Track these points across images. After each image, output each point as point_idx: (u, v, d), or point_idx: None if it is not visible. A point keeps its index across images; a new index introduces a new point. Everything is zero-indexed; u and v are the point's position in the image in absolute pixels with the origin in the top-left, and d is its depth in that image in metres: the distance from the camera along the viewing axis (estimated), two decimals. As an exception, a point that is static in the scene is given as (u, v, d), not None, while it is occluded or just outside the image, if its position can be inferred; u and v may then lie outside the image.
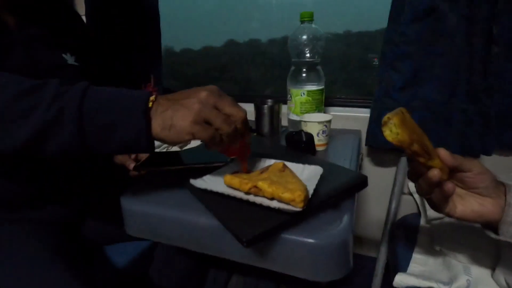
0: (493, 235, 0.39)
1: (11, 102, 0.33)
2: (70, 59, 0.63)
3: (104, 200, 0.67)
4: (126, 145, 0.36)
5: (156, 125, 0.35)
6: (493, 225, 0.38)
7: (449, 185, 0.35)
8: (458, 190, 0.39)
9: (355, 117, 0.85)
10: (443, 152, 0.35)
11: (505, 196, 0.36)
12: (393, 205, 0.77)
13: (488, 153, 0.67)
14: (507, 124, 0.66)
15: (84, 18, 0.91)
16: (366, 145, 0.79)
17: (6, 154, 0.36)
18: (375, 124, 0.75)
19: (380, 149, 0.80)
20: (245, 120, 0.39)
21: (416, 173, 0.37)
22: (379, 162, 0.86)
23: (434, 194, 0.36)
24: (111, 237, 0.68)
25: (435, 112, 0.68)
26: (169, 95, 0.38)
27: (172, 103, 0.36)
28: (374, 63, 1.13)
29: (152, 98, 0.36)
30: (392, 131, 0.32)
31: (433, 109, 0.68)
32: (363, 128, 0.80)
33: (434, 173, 0.34)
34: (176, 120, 0.35)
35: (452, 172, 0.37)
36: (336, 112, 0.88)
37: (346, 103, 0.89)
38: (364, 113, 0.82)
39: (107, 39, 0.92)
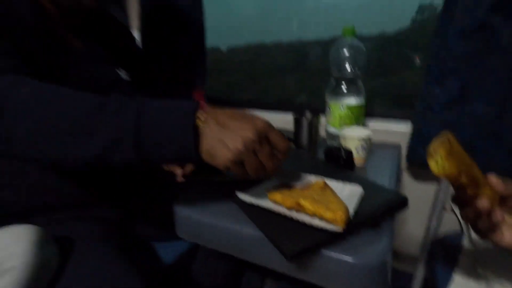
0: None
1: (83, 118, 0.39)
2: (123, 73, 0.71)
3: (155, 202, 0.74)
4: (177, 158, 0.41)
5: (203, 148, 0.40)
6: None
7: (498, 214, 0.35)
8: (507, 217, 0.38)
9: (395, 131, 0.84)
10: (494, 180, 0.35)
11: None
12: (434, 222, 0.75)
13: None
14: None
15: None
16: (407, 160, 0.78)
17: (77, 165, 0.42)
18: (416, 139, 0.74)
19: (421, 164, 0.79)
20: (287, 153, 0.43)
21: (462, 201, 0.37)
22: (419, 176, 0.85)
23: (481, 221, 0.36)
24: (160, 235, 0.75)
25: (484, 129, 0.66)
26: (219, 116, 0.41)
27: (220, 130, 0.40)
28: (416, 63, 1.11)
29: (199, 114, 0.41)
30: (439, 163, 0.32)
31: (482, 126, 0.66)
32: (403, 141, 0.79)
33: (483, 204, 0.34)
34: (219, 153, 0.39)
35: (503, 199, 0.37)
36: (376, 124, 0.88)
37: (386, 115, 0.88)
38: (404, 127, 0.81)
39: (157, 51, 1.01)
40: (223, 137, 0.39)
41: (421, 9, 1.03)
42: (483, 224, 0.36)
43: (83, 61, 0.62)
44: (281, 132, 0.43)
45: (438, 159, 0.32)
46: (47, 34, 0.56)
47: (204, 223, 0.50)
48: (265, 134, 0.41)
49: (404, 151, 0.79)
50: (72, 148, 0.39)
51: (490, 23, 0.60)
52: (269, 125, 0.42)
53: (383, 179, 0.59)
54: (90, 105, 0.40)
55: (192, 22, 1.01)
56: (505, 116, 0.65)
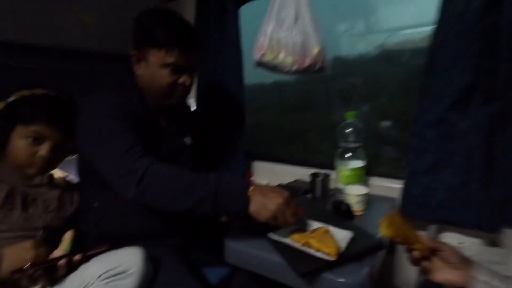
0: None
1: (185, 187, 0.69)
2: (188, 140, 1.03)
3: (207, 236, 1.01)
4: (235, 214, 0.70)
5: (253, 208, 0.68)
6: None
7: (424, 263, 0.57)
8: (439, 263, 0.59)
9: (393, 186, 1.06)
10: (423, 238, 0.58)
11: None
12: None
13: (496, 229, 0.82)
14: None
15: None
16: (400, 213, 0.99)
17: (180, 213, 0.71)
18: (405, 196, 0.96)
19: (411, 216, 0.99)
20: (302, 215, 0.70)
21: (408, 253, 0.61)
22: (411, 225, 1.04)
23: (419, 265, 0.59)
24: (207, 261, 1.00)
25: (454, 193, 0.87)
26: (262, 190, 0.70)
27: (263, 199, 0.68)
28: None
29: (251, 189, 0.69)
30: (382, 230, 0.57)
31: (451, 190, 0.88)
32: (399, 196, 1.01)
33: (415, 253, 0.57)
34: (262, 213, 0.68)
35: (434, 251, 0.59)
36: (377, 180, 1.11)
37: (383, 174, 1.11)
38: (400, 183, 1.03)
39: (210, 123, 1.34)
40: (265, 203, 0.67)
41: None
42: (420, 267, 0.59)
43: (166, 134, 0.95)
44: (296, 189, 0.70)
45: (382, 228, 0.57)
46: (150, 121, 0.89)
47: (247, 251, 0.76)
48: (288, 201, 0.68)
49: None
50: (179, 202, 0.69)
51: (449, 118, 0.85)
52: (290, 196, 0.70)
53: (376, 228, 0.81)
54: (190, 178, 0.70)
55: (235, 97, 1.34)
56: (471, 183, 0.86)
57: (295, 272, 0.64)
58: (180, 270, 0.82)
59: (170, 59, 0.83)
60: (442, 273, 0.58)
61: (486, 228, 0.84)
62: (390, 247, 0.98)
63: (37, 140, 0.81)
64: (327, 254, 0.64)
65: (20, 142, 0.80)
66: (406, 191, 0.96)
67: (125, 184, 0.70)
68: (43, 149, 0.82)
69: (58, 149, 0.85)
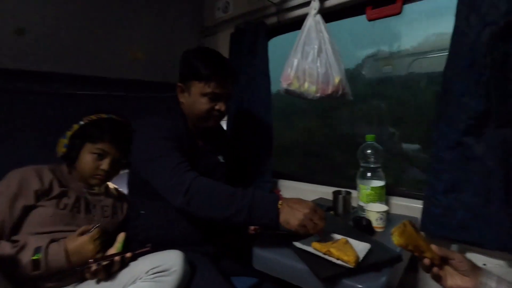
0: None
1: (225, 199, 0.81)
2: (221, 158, 1.15)
3: (235, 246, 1.11)
4: (267, 225, 0.79)
5: (282, 219, 0.77)
6: None
7: (434, 269, 0.62)
8: (450, 270, 0.64)
9: (414, 206, 1.10)
10: (433, 247, 0.64)
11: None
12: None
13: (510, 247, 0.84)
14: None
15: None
16: (421, 231, 1.03)
17: (215, 221, 0.82)
18: (425, 216, 1.00)
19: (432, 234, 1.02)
20: (324, 224, 0.78)
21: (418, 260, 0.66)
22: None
23: (430, 272, 0.64)
24: (236, 270, 1.09)
25: (474, 213, 0.91)
26: (289, 202, 0.80)
27: (291, 210, 0.78)
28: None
29: (280, 202, 0.79)
30: (395, 238, 0.63)
31: (471, 210, 0.91)
32: (420, 215, 1.05)
33: (425, 261, 0.63)
34: (291, 222, 0.77)
35: (445, 259, 0.64)
36: (397, 200, 1.15)
37: (405, 194, 1.16)
38: (420, 204, 1.07)
39: (241, 144, 1.48)
40: (293, 213, 0.77)
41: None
42: (432, 274, 0.64)
43: (202, 153, 1.08)
44: (322, 209, 0.78)
45: (395, 236, 0.63)
46: (190, 142, 1.03)
47: (273, 258, 0.84)
48: (314, 209, 0.77)
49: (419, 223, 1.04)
50: (218, 211, 0.80)
51: (465, 141, 0.90)
52: (316, 206, 0.79)
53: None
54: (228, 191, 0.82)
55: (264, 121, 1.47)
56: (491, 204, 0.89)
57: (317, 277, 0.71)
58: (213, 275, 0.92)
59: (208, 89, 0.98)
60: (453, 280, 0.62)
61: (509, 248, 0.86)
62: (411, 264, 1.01)
63: (101, 155, 0.98)
64: (347, 262, 0.71)
65: (87, 157, 0.97)
66: (426, 210, 1.00)
67: (173, 193, 0.83)
68: (105, 164, 0.98)
69: (116, 164, 1.02)
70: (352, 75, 1.63)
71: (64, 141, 0.99)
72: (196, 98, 1.00)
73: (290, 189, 1.48)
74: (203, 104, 1.00)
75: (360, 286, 0.69)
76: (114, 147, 0.99)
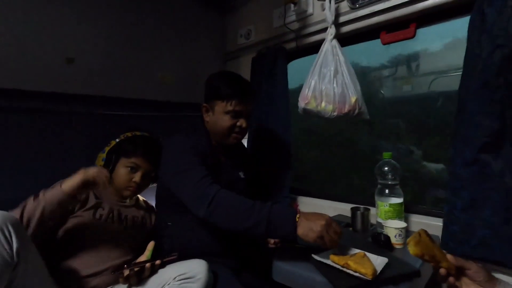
0: None
1: (245, 211, 0.86)
2: (241, 174, 1.21)
3: (255, 260, 1.14)
4: (285, 237, 0.84)
5: (300, 231, 0.82)
6: None
7: (450, 279, 0.64)
8: (466, 280, 0.65)
9: (433, 224, 1.10)
10: (449, 256, 0.65)
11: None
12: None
13: None
14: None
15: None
16: (443, 249, 1.02)
17: (236, 232, 0.87)
18: (446, 233, 1.00)
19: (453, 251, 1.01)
20: (340, 236, 0.81)
21: (434, 271, 0.67)
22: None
23: (448, 282, 0.65)
24: (256, 284, 1.12)
25: (496, 231, 0.90)
26: (307, 216, 0.84)
27: (308, 223, 0.82)
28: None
29: (298, 216, 0.83)
30: (411, 248, 0.66)
31: (492, 228, 0.91)
32: (440, 233, 1.05)
33: (441, 271, 0.64)
34: (309, 234, 0.81)
35: (460, 269, 0.65)
36: (416, 218, 1.16)
37: (424, 212, 1.16)
38: (439, 221, 1.07)
39: (261, 161, 1.54)
40: (310, 226, 0.81)
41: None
42: (448, 284, 0.65)
43: (224, 168, 1.15)
44: (338, 222, 0.82)
45: (410, 246, 0.66)
46: (213, 156, 1.11)
47: (292, 270, 0.87)
48: (330, 222, 0.81)
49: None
50: (239, 223, 0.86)
51: (481, 158, 0.92)
52: (332, 219, 0.82)
53: (418, 261, 0.86)
54: (249, 204, 0.87)
55: (283, 139, 1.53)
56: (511, 222, 0.89)
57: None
58: (235, 285, 0.96)
59: (230, 108, 1.07)
60: None
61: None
62: (432, 282, 1.00)
63: (134, 169, 1.08)
64: (364, 274, 0.74)
65: (122, 170, 1.07)
66: (445, 227, 1.00)
67: (198, 205, 0.90)
68: (137, 176, 1.08)
69: (146, 177, 1.11)
70: (371, 95, 1.67)
71: (102, 155, 1.09)
72: (219, 116, 1.09)
73: (308, 205, 1.51)
74: (225, 121, 1.08)
75: (378, 298, 0.71)
76: (146, 161, 1.09)
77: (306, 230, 0.82)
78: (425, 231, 0.69)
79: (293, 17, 1.45)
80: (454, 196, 0.98)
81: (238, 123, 1.10)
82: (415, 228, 1.11)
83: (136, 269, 0.87)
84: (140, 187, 1.11)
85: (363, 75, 1.35)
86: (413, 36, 1.18)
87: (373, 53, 1.80)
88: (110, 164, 1.08)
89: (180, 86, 1.61)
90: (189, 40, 1.66)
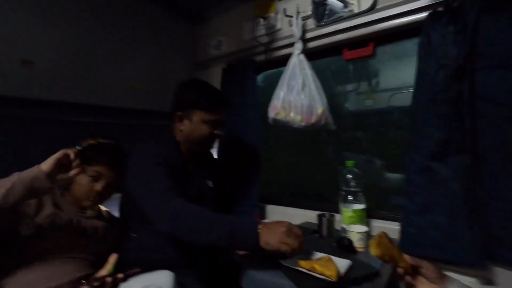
0: None
1: (208, 225, 0.85)
2: (210, 183, 1.21)
3: (224, 268, 1.13)
4: (248, 248, 0.86)
5: (263, 241, 0.83)
6: None
7: (407, 278, 0.69)
8: (421, 278, 0.70)
9: (392, 228, 1.17)
10: (406, 257, 0.71)
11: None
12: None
13: (484, 266, 0.91)
14: (495, 243, 0.92)
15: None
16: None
17: (204, 246, 0.87)
18: (402, 237, 1.07)
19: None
20: (302, 243, 0.84)
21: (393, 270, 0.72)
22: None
23: (405, 281, 0.70)
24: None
25: (445, 233, 0.99)
26: (268, 225, 0.86)
27: (269, 231, 0.83)
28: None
29: (260, 226, 0.85)
30: (371, 249, 0.70)
31: (442, 230, 0.99)
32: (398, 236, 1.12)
33: (399, 270, 0.69)
34: (271, 242, 0.82)
35: (416, 268, 0.71)
36: (377, 223, 1.23)
37: (384, 217, 1.24)
38: (398, 225, 1.15)
39: (230, 171, 1.55)
40: (271, 233, 0.83)
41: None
42: (405, 282, 0.70)
43: (193, 177, 1.14)
44: (300, 228, 0.85)
45: (372, 248, 0.70)
46: (182, 166, 1.10)
47: (261, 277, 0.88)
48: (291, 228, 0.83)
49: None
50: (202, 237, 0.85)
51: (431, 166, 1.01)
52: (292, 225, 0.85)
53: (378, 261, 0.92)
54: (212, 218, 0.87)
55: (253, 149, 1.55)
56: (458, 224, 0.98)
57: (301, 291, 0.76)
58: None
59: (211, 117, 1.09)
60: (422, 287, 0.69)
61: (474, 265, 0.93)
62: (391, 282, 1.06)
63: (96, 178, 1.03)
64: (329, 276, 0.76)
65: (83, 179, 1.02)
66: (402, 231, 1.07)
67: (161, 219, 0.89)
68: (99, 186, 1.03)
69: (109, 187, 1.06)
70: (337, 108, 1.77)
71: None
72: (197, 125, 1.10)
73: (277, 213, 1.53)
74: (204, 130, 1.10)
75: (341, 299, 0.74)
76: (110, 170, 1.05)
77: (268, 238, 0.82)
78: (385, 234, 0.74)
79: (263, 31, 1.51)
80: (409, 201, 1.06)
81: (216, 132, 1.12)
82: (376, 232, 1.17)
83: (95, 284, 0.82)
84: (103, 197, 1.06)
85: (329, 88, 1.44)
86: (371, 54, 1.28)
87: (339, 69, 1.92)
88: None
89: (148, 94, 1.58)
90: (159, 48, 1.65)
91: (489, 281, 0.97)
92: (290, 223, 0.87)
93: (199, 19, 1.82)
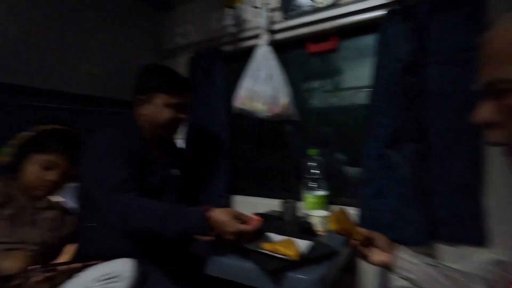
0: (391, 273, 0.72)
1: (158, 218, 0.85)
2: (176, 172, 1.19)
3: (187, 257, 1.12)
4: (199, 232, 0.90)
5: (212, 225, 0.85)
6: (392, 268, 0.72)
7: (359, 247, 0.73)
8: (373, 248, 0.74)
9: (352, 213, 1.24)
10: (360, 229, 0.75)
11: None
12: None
13: (424, 242, 1.01)
14: (439, 223, 1.02)
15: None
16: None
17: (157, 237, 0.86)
18: (361, 220, 1.14)
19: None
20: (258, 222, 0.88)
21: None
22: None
23: (357, 251, 0.75)
24: (189, 282, 1.09)
25: (396, 215, 1.07)
26: (215, 211, 0.88)
27: (216, 217, 0.86)
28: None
29: (207, 213, 0.86)
30: (329, 224, 0.74)
31: (394, 212, 1.07)
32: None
33: (354, 241, 0.73)
34: (217, 228, 0.85)
35: (369, 239, 0.75)
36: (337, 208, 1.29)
37: (345, 203, 1.30)
38: (356, 211, 1.22)
39: (197, 160, 1.53)
40: (219, 215, 0.86)
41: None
42: (358, 252, 0.74)
43: (158, 165, 1.11)
44: (270, 216, 0.87)
45: (330, 222, 0.74)
46: (145, 154, 1.06)
47: (226, 262, 0.89)
48: (236, 216, 0.87)
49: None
50: (152, 230, 0.85)
51: (386, 153, 1.09)
52: (236, 212, 0.89)
53: (336, 241, 0.96)
54: (162, 212, 0.87)
55: (220, 139, 1.55)
56: (408, 206, 1.06)
57: (264, 271, 0.78)
58: (166, 283, 0.92)
59: (173, 100, 1.06)
60: (376, 256, 0.73)
61: (421, 243, 1.02)
62: (349, 260, 1.12)
63: (49, 166, 0.96)
64: (290, 256, 0.79)
65: (34, 167, 0.95)
66: (360, 214, 1.14)
67: (110, 216, 0.88)
68: (53, 175, 0.96)
69: (64, 176, 1.00)
70: (303, 104, 1.82)
71: (7, 150, 0.95)
72: (160, 108, 1.06)
73: (243, 203, 1.54)
74: (167, 113, 1.07)
75: (302, 277, 0.77)
76: (64, 158, 0.98)
77: (215, 224, 0.86)
78: (342, 209, 0.78)
79: (231, 21, 1.51)
80: (366, 186, 1.13)
81: (179, 116, 1.10)
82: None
83: (47, 274, 0.77)
84: (56, 186, 1.00)
85: (295, 85, 1.48)
86: (334, 48, 1.34)
87: (305, 66, 1.97)
88: (18, 161, 0.94)
89: (111, 81, 1.50)
90: (122, 34, 1.57)
91: (433, 258, 1.07)
92: (234, 210, 0.90)
93: (166, 6, 1.77)
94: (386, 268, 0.73)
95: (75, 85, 1.35)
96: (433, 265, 0.69)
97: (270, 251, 0.83)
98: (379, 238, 0.74)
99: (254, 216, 0.93)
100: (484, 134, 0.47)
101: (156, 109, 1.07)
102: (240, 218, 0.89)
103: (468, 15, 1.00)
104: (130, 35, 1.62)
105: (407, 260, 0.70)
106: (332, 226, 0.73)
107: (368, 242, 0.75)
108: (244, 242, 0.87)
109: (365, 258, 0.75)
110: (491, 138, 0.47)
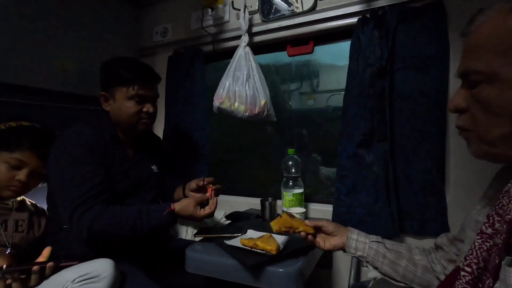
0: (344, 253, 0.78)
1: (127, 226, 0.89)
2: (155, 168, 1.18)
3: (165, 255, 1.12)
4: (167, 225, 0.94)
5: (180, 215, 0.91)
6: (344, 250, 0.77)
7: (309, 237, 0.78)
8: (323, 235, 0.79)
9: (327, 210, 1.30)
10: (306, 222, 0.80)
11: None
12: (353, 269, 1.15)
13: (393, 235, 1.09)
14: (406, 217, 1.10)
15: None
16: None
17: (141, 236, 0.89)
18: (335, 216, 1.20)
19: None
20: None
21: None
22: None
23: (309, 241, 0.78)
24: (168, 280, 1.09)
25: (368, 211, 1.14)
26: (180, 203, 0.96)
27: (182, 208, 0.95)
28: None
29: (172, 205, 0.92)
30: (272, 226, 0.79)
31: (367, 208, 1.14)
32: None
33: (302, 234, 0.77)
34: (184, 215, 0.92)
35: (317, 229, 0.80)
36: (317, 205, 1.35)
37: (320, 200, 1.36)
38: (331, 207, 1.28)
39: (176, 157, 1.52)
40: (183, 209, 0.91)
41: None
42: (311, 242, 0.78)
43: (134, 163, 1.09)
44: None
45: (272, 225, 0.79)
46: (118, 151, 1.04)
47: (204, 259, 0.90)
48: (197, 202, 0.95)
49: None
50: (122, 236, 0.88)
51: (359, 152, 1.15)
52: (196, 197, 1.00)
53: None
54: (131, 216, 0.90)
55: (200, 137, 1.55)
56: (379, 202, 1.14)
57: (243, 266, 0.80)
58: (145, 283, 0.92)
59: (132, 92, 1.01)
60: (327, 242, 0.78)
61: (391, 236, 1.10)
62: (325, 260, 1.18)
63: (17, 166, 0.92)
64: (269, 251, 0.82)
65: (1, 167, 0.90)
66: (334, 210, 1.20)
67: (77, 229, 0.88)
68: (22, 174, 0.92)
69: (34, 175, 0.96)
70: (281, 106, 1.87)
71: None
72: (122, 103, 1.02)
73: (224, 202, 1.55)
74: (130, 107, 1.02)
75: (280, 270, 0.80)
76: (34, 157, 0.95)
77: (182, 213, 0.95)
78: (287, 213, 0.84)
79: (211, 22, 1.52)
80: (341, 184, 1.19)
81: (144, 109, 1.04)
82: (312, 213, 1.29)
83: (17, 275, 0.75)
84: (27, 187, 0.96)
85: (274, 87, 1.52)
86: (311, 52, 1.40)
87: (285, 71, 2.02)
88: None
89: (86, 78, 1.45)
90: (98, 30, 1.53)
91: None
92: (197, 199, 1.01)
93: (144, 3, 1.74)
94: (340, 250, 0.78)
95: (49, 81, 1.30)
96: (378, 242, 0.75)
97: (250, 247, 0.86)
98: (327, 225, 0.79)
99: (209, 189, 1.07)
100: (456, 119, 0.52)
101: (118, 104, 1.02)
102: (201, 200, 1.02)
103: (429, 26, 1.09)
104: (107, 31, 1.58)
105: (355, 239, 0.76)
106: (273, 228, 0.79)
107: (317, 231, 0.79)
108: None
109: (318, 246, 0.79)
110: (458, 122, 0.52)
